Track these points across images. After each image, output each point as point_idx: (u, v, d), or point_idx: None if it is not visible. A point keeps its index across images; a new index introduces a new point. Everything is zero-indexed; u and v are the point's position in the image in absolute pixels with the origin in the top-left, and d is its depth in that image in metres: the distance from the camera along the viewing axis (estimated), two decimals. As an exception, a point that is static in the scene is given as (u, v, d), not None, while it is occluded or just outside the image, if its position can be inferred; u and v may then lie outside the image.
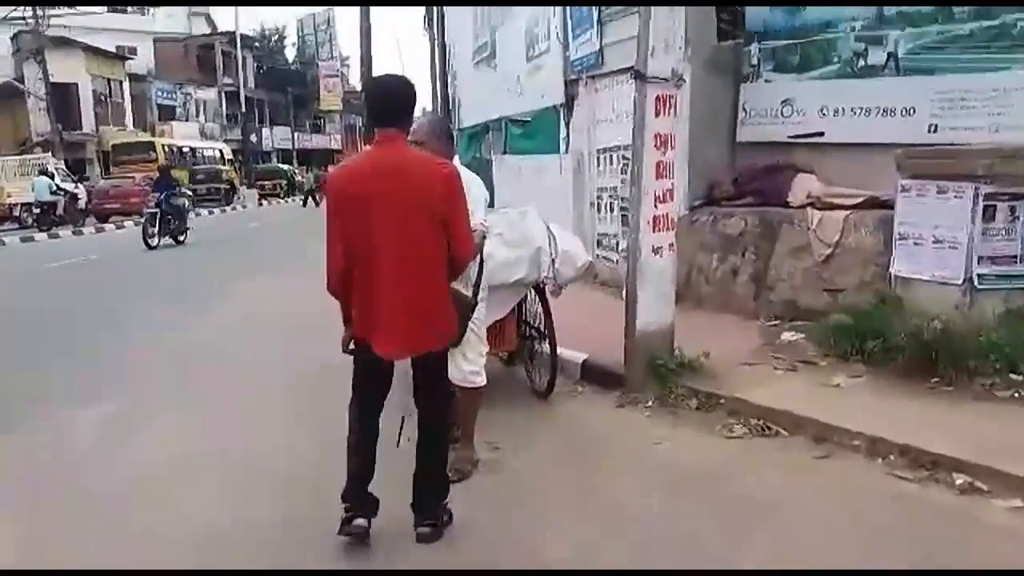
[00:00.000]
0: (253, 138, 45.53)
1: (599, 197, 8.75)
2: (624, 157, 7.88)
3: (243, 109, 43.35)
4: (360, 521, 3.35)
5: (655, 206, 4.92)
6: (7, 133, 34.04)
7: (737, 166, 7.18)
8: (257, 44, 57.27)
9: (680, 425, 4.55)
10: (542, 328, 5.15)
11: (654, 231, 4.94)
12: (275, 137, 54.51)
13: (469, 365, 4.00)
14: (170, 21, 49.82)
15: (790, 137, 6.74)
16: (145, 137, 35.27)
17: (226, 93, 49.77)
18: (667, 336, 5.11)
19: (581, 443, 4.41)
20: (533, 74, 10.86)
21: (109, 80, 39.02)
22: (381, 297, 3.30)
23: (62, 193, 23.79)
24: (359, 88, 73.39)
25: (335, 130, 67.92)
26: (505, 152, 12.55)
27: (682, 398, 4.81)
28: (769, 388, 4.74)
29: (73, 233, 22.30)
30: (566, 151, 9.66)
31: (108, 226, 24.65)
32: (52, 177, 23.74)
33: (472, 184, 3.82)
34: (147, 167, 28.01)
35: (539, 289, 4.97)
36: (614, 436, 4.49)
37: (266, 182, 39.50)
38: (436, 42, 16.35)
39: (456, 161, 3.83)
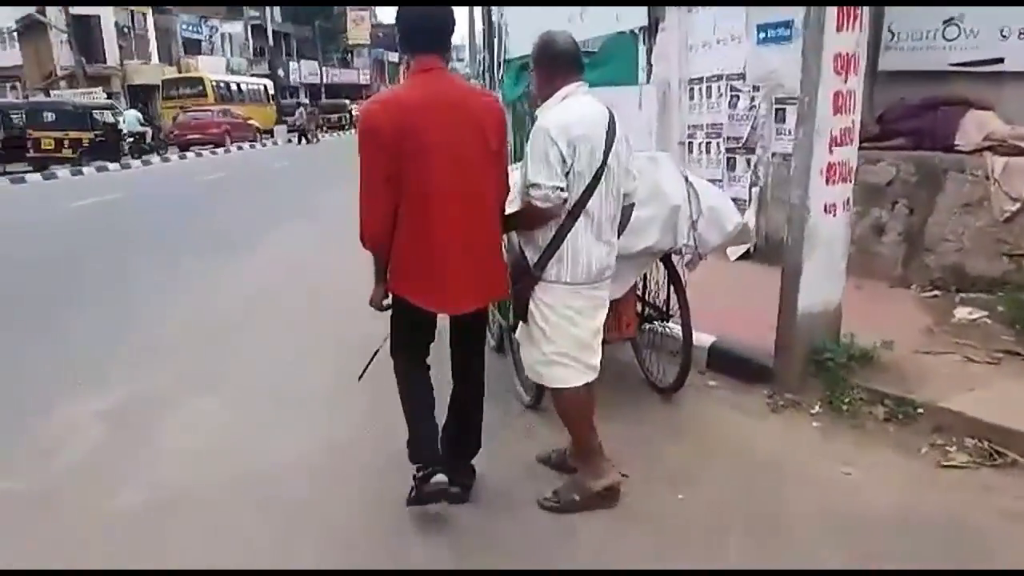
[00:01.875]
0: (280, 72, 44.02)
1: (691, 135, 7.49)
2: (734, 88, 6.62)
3: (270, 43, 41.76)
4: (440, 477, 3.07)
5: (830, 150, 3.72)
6: (33, 67, 33.23)
7: (877, 100, 5.90)
8: (284, -25, 55.29)
9: (867, 444, 3.45)
10: (665, 306, 4.04)
11: (828, 183, 3.75)
12: (303, 71, 52.97)
13: (536, 353, 3.14)
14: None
15: (954, 65, 5.43)
16: (195, 73, 35.54)
17: (252, 27, 48.22)
18: (834, 320, 3.98)
19: (735, 467, 3.35)
20: (602, -6, 9.45)
21: (132, 12, 37.64)
22: (444, 247, 2.94)
23: (149, 124, 25.88)
24: (386, 22, 71.97)
25: (364, 65, 66.47)
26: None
27: (861, 403, 3.69)
28: (979, 392, 3.62)
29: (162, 160, 24.29)
30: (647, 82, 8.34)
31: (189, 154, 26.08)
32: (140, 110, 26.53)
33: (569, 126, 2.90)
34: (197, 101, 30.32)
35: (666, 257, 3.84)
36: (781, 458, 3.39)
37: (331, 115, 40.52)
38: (482, -37, 14.79)
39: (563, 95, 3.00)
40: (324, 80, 54.22)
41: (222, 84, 34.48)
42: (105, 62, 34.42)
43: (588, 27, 9.81)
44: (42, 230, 10.81)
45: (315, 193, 13.86)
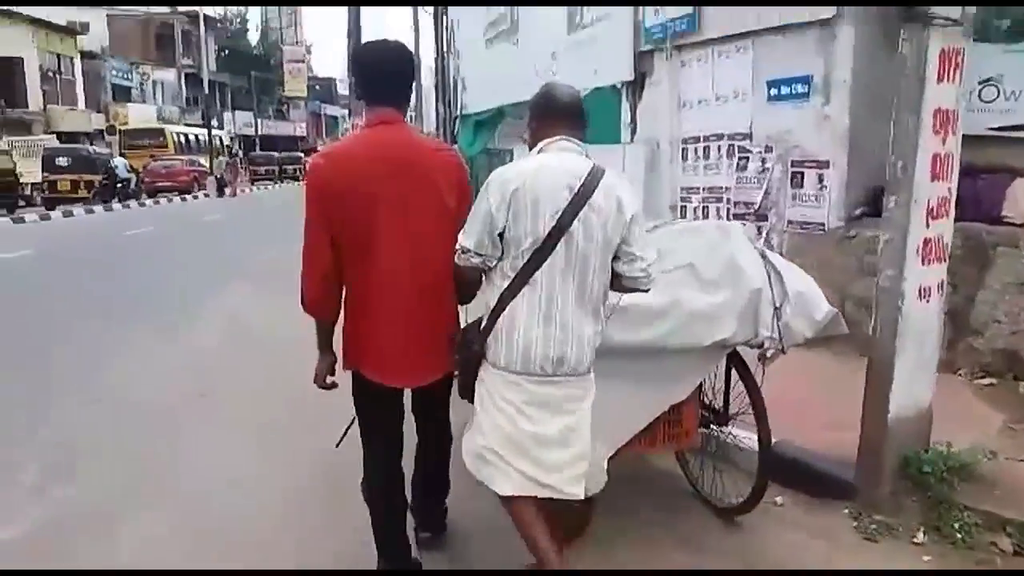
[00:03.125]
0: (214, 123, 42.82)
1: (686, 199, 6.93)
2: (742, 149, 6.09)
3: (206, 91, 40.59)
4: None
5: (926, 223, 3.13)
6: (-54, 110, 31.39)
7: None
8: (220, 25, 54.55)
9: (1002, 591, 2.78)
10: (724, 408, 3.35)
11: (923, 262, 3.16)
12: (237, 122, 51.85)
13: (470, 441, 2.70)
14: (126, -4, 46.90)
15: (993, 129, 4.99)
16: (156, 124, 37.58)
17: (186, 75, 47.06)
18: (926, 423, 3.35)
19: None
20: (578, 48, 9.00)
21: (59, 56, 36.10)
22: (393, 315, 2.76)
23: (134, 172, 28.37)
24: (322, 75, 71.56)
25: (300, 117, 65.84)
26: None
27: (976, 529, 3.03)
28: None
29: (140, 205, 26.52)
30: (631, 140, 7.84)
31: (162, 199, 28.81)
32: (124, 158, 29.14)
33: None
34: (159, 151, 32.97)
35: (733, 351, 3.17)
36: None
37: (260, 167, 43.42)
38: (440, 15, 14.36)
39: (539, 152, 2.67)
40: (259, 131, 53.20)
41: (180, 135, 36.93)
42: (27, 107, 32.74)
43: (563, 81, 9.34)
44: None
45: (253, 251, 12.95)
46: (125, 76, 42.68)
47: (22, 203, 23.12)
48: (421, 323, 2.79)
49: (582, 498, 2.68)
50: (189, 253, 13.58)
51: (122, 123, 37.28)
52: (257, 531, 3.43)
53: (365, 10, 17.42)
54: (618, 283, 2.63)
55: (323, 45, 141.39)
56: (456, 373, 2.83)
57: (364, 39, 18.48)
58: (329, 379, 2.93)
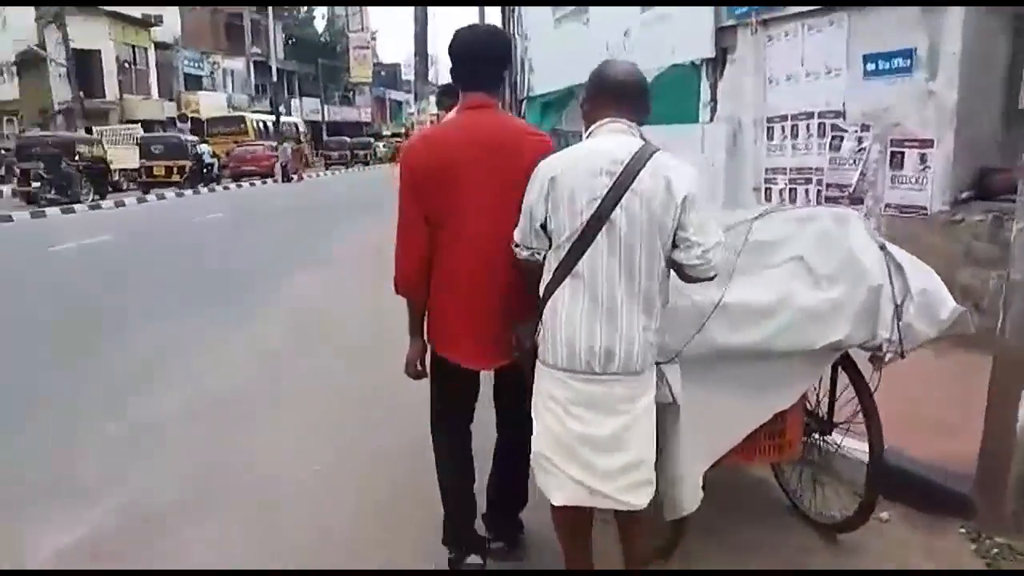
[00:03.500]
0: (282, 109, 43.46)
1: (771, 180, 6.56)
2: (836, 128, 5.70)
3: (274, 79, 41.19)
4: (474, 559, 3.00)
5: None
6: (32, 101, 32.53)
7: (1016, 142, 4.97)
8: (287, 14, 55.23)
9: None
10: (828, 415, 3.06)
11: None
12: (304, 109, 52.53)
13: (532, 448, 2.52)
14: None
15: None
16: (233, 112, 39.52)
17: (254, 63, 47.82)
18: (1060, 435, 2.98)
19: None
20: (653, 25, 8.64)
21: (134, 47, 37.15)
22: (475, 296, 2.78)
23: (216, 158, 29.93)
24: (387, 61, 71.92)
25: (365, 103, 66.38)
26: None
27: (1125, 558, 2.68)
28: None
29: (224, 188, 28.52)
30: (710, 119, 7.48)
31: (244, 183, 30.87)
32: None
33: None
34: (239, 137, 34.55)
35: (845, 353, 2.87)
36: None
37: (333, 152, 45.51)
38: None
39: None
40: (325, 117, 53.85)
41: (259, 122, 38.30)
42: (104, 97, 33.73)
43: (638, 59, 8.98)
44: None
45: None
46: (197, 65, 43.62)
47: (110, 189, 23.99)
48: (502, 305, 2.77)
49: (643, 507, 2.45)
50: (258, 236, 13.70)
51: (193, 111, 38.34)
52: (335, 532, 3.30)
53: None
54: (681, 273, 2.42)
55: (388, 31, 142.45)
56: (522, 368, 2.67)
57: (430, 25, 18.50)
58: (419, 367, 2.90)
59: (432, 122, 16.23)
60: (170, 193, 24.59)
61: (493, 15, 18.44)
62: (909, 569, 2.73)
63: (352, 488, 3.71)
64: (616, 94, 2.50)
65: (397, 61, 74.52)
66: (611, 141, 2.43)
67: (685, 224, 2.34)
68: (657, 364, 2.43)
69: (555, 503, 2.48)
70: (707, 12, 7.23)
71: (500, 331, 2.77)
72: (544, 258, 2.49)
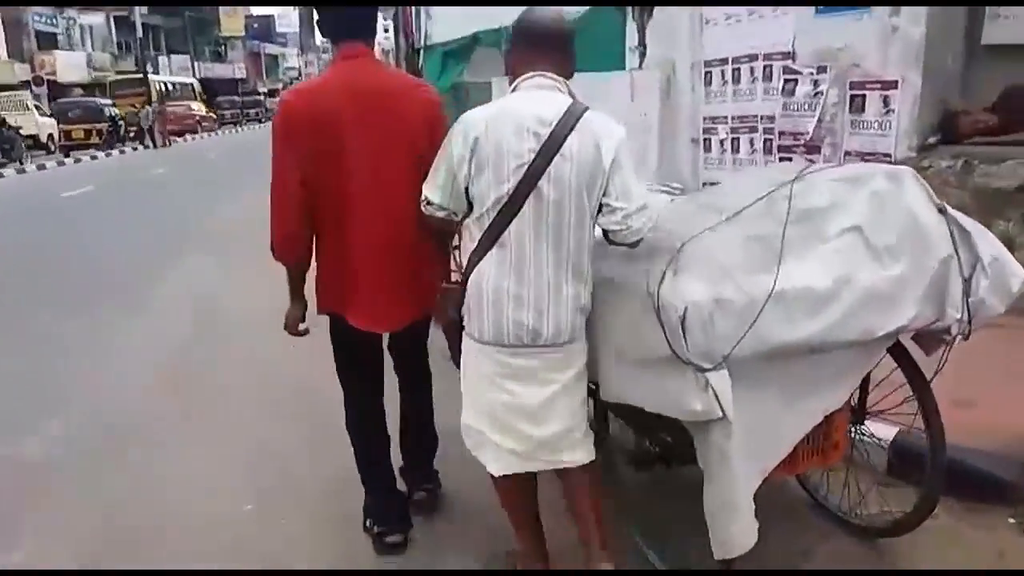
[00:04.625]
0: (149, 68, 40.48)
1: (711, 130, 6.16)
2: (788, 71, 5.31)
3: (139, 35, 38.20)
4: (395, 538, 2.97)
5: None
6: None
7: (978, 81, 4.74)
8: (148, -38, 51.35)
9: None
10: (859, 403, 2.69)
11: None
12: (173, 66, 49.27)
13: (463, 417, 2.51)
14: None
15: None
16: (138, 75, 38.38)
17: (115, 18, 44.28)
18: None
19: None
20: (569, -37, 8.02)
21: (-25, 4, 33.59)
22: (364, 256, 2.72)
23: (122, 120, 30.99)
24: (258, 12, 68.20)
25: (238, 59, 63.07)
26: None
27: None
28: None
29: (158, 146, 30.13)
30: (639, 66, 7.00)
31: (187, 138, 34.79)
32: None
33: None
34: (139, 99, 34.53)
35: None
36: None
37: (226, 112, 46.47)
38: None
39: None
40: (197, 75, 50.82)
41: (161, 83, 38.98)
42: (-55, 59, 30.45)
43: (550, 4, 8.41)
44: None
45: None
46: (50, 22, 39.98)
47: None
48: (395, 265, 2.72)
49: (584, 462, 2.42)
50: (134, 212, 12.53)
51: (48, 73, 35.48)
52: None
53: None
54: (604, 237, 2.36)
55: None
56: (446, 339, 2.60)
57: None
58: (302, 326, 2.89)
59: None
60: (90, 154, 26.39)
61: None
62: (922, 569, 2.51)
63: (301, 527, 3.12)
64: (543, 44, 2.37)
65: (270, 12, 70.85)
66: (538, 98, 2.29)
67: (609, 189, 2.26)
68: (702, 371, 1.96)
69: (493, 473, 2.45)
70: (633, -52, 6.71)
71: (394, 293, 2.74)
72: (460, 221, 2.39)
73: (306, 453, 3.72)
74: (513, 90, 2.36)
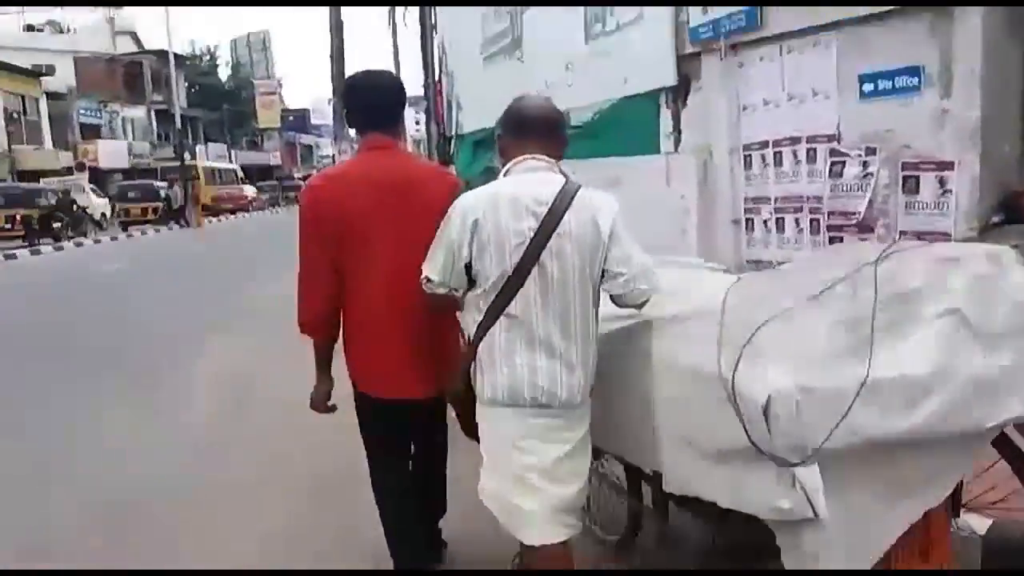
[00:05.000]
0: (187, 156, 41.89)
1: (753, 211, 6.05)
2: (836, 153, 5.22)
3: (178, 126, 39.70)
4: None
5: None
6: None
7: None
8: (188, 62, 53.77)
9: None
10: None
11: None
12: (210, 154, 50.96)
13: (484, 484, 2.61)
14: (93, 41, 46.18)
15: None
16: (189, 162, 42.37)
17: (156, 111, 46.11)
18: None
19: None
20: (601, 57, 8.13)
21: (23, 97, 35.19)
22: (389, 335, 2.90)
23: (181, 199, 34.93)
24: (294, 106, 70.62)
25: (274, 147, 65.32)
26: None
27: None
28: None
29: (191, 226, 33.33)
30: (675, 150, 6.97)
31: (223, 217, 39.11)
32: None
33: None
34: (189, 182, 37.38)
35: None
36: None
37: (265, 194, 51.46)
38: (428, 35, 13.52)
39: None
40: (234, 162, 52.51)
41: (209, 169, 43.48)
42: (-10, 148, 31.71)
43: (580, 93, 8.49)
44: None
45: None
46: (94, 114, 41.84)
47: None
48: (416, 339, 2.86)
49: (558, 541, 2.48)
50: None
51: (91, 159, 37.30)
52: None
53: (346, 37, 16.62)
54: (613, 300, 2.50)
55: (294, 78, 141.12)
56: (455, 411, 2.75)
57: (347, 63, 17.77)
58: (329, 403, 3.07)
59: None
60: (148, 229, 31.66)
61: (412, 58, 17.98)
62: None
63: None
64: (533, 130, 2.51)
65: (305, 107, 73.35)
66: (532, 180, 2.43)
67: (609, 259, 2.41)
68: (789, 466, 1.76)
69: (528, 543, 2.48)
70: (666, 39, 6.76)
71: (416, 366, 2.87)
72: (462, 295, 2.50)
73: (341, 540, 3.54)
74: (505, 174, 2.49)
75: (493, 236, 2.35)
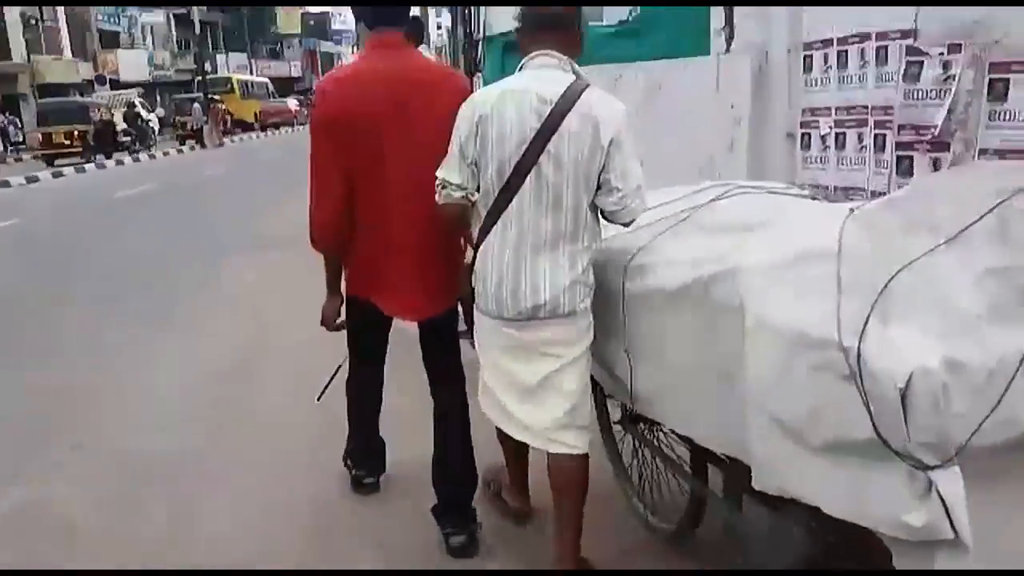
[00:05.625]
0: (207, 66, 40.99)
1: (811, 123, 5.50)
2: (913, 51, 4.61)
3: (197, 33, 38.68)
4: (370, 479, 3.58)
5: None
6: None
7: None
8: (207, -40, 52.07)
9: None
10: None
11: None
12: (231, 64, 50.01)
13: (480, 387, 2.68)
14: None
15: None
16: (222, 75, 43.98)
17: (175, 16, 44.97)
18: None
19: None
20: (645, -58, 7.44)
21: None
22: (399, 244, 2.86)
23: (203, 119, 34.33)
24: (315, 10, 68.75)
25: (295, 57, 64.05)
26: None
27: None
28: None
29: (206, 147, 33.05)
30: (726, 50, 6.37)
31: (272, 131, 42.08)
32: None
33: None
34: (227, 96, 38.92)
35: None
36: None
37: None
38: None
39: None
40: (254, 73, 51.62)
41: (243, 82, 44.29)
42: (11, 58, 31.01)
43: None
44: None
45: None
46: (112, 20, 40.76)
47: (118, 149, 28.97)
48: (427, 254, 2.85)
49: (580, 450, 2.55)
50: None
51: (111, 71, 36.64)
52: None
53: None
54: (600, 214, 2.50)
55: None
56: (463, 313, 2.84)
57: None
58: (339, 320, 3.10)
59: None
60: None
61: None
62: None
63: None
64: (544, 24, 2.50)
65: (326, 10, 71.33)
66: (541, 77, 2.45)
67: (608, 167, 2.41)
68: (925, 469, 1.37)
69: (509, 433, 2.67)
70: (721, -82, 6.06)
71: (424, 283, 2.88)
72: (472, 199, 2.52)
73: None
74: (520, 69, 2.51)
75: (496, 133, 2.40)
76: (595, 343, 2.65)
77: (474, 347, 2.71)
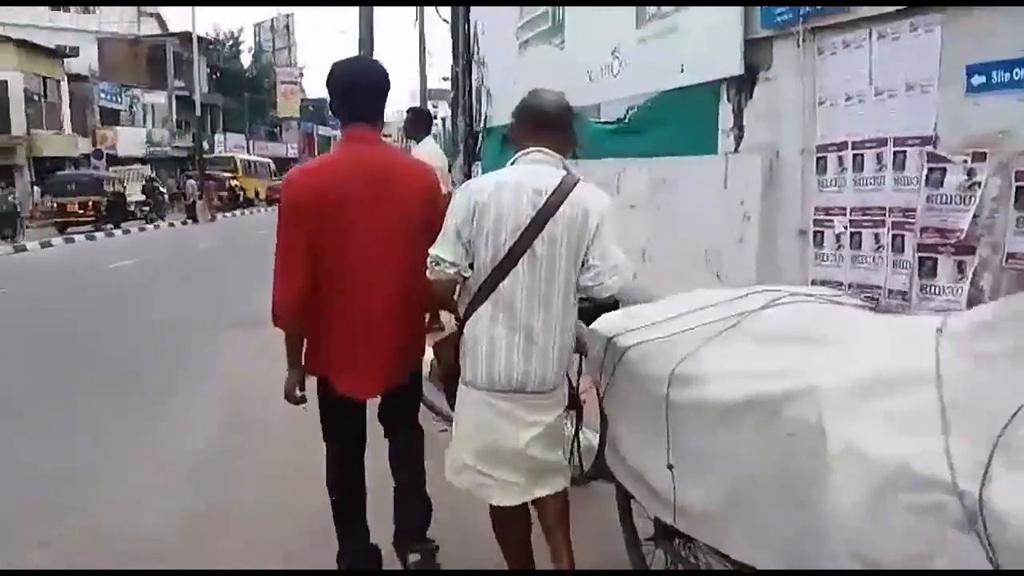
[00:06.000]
0: (205, 145, 41.49)
1: (823, 222, 5.42)
2: (934, 158, 4.56)
3: (198, 114, 39.21)
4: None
5: None
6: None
7: None
8: (211, 47, 53.43)
9: None
10: None
11: None
12: (228, 144, 50.69)
13: (451, 457, 2.77)
14: (119, 21, 45.87)
15: None
16: (226, 154, 45.89)
17: (177, 97, 45.71)
18: None
19: None
20: (653, 42, 7.52)
21: (45, 79, 34.68)
22: (360, 326, 2.94)
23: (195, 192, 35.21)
24: (314, 96, 70.36)
25: (292, 138, 65.11)
26: (577, 157, 9.07)
27: None
28: None
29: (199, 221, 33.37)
30: (735, 149, 6.35)
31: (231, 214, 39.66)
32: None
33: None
34: (230, 173, 41.52)
35: None
36: None
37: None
38: (460, 20, 12.95)
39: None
40: (251, 152, 52.33)
41: (245, 161, 45.93)
42: (10, 132, 31.22)
43: (627, 83, 7.86)
44: None
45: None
46: (114, 99, 41.44)
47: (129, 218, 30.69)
48: (388, 332, 2.92)
49: (562, 488, 2.74)
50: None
51: (109, 146, 37.01)
52: None
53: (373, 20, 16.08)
54: (579, 289, 2.63)
55: (316, 68, 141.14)
56: (443, 386, 2.93)
57: (376, 49, 17.25)
58: (298, 393, 3.09)
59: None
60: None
61: (443, 39, 17.54)
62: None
63: None
64: (540, 124, 2.65)
65: (325, 97, 73.00)
66: (534, 172, 2.58)
67: (591, 250, 2.57)
68: None
69: (495, 503, 2.71)
70: (732, 21, 6.12)
71: (384, 361, 2.95)
72: (465, 275, 2.62)
73: None
74: (512, 163, 2.64)
75: (492, 219, 2.51)
76: (627, 452, 2.49)
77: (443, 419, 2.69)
